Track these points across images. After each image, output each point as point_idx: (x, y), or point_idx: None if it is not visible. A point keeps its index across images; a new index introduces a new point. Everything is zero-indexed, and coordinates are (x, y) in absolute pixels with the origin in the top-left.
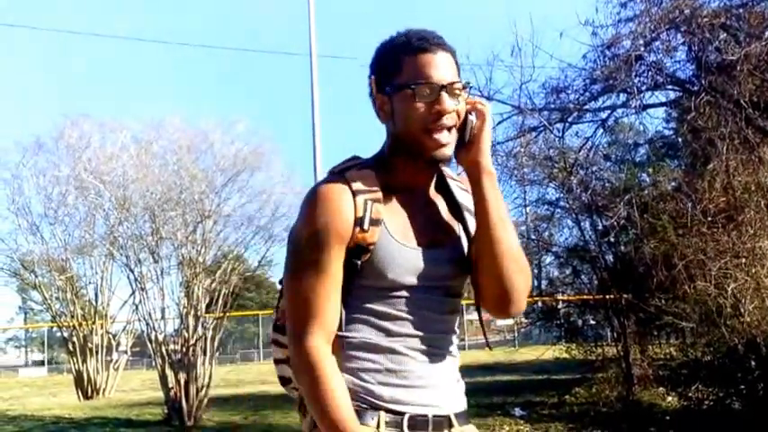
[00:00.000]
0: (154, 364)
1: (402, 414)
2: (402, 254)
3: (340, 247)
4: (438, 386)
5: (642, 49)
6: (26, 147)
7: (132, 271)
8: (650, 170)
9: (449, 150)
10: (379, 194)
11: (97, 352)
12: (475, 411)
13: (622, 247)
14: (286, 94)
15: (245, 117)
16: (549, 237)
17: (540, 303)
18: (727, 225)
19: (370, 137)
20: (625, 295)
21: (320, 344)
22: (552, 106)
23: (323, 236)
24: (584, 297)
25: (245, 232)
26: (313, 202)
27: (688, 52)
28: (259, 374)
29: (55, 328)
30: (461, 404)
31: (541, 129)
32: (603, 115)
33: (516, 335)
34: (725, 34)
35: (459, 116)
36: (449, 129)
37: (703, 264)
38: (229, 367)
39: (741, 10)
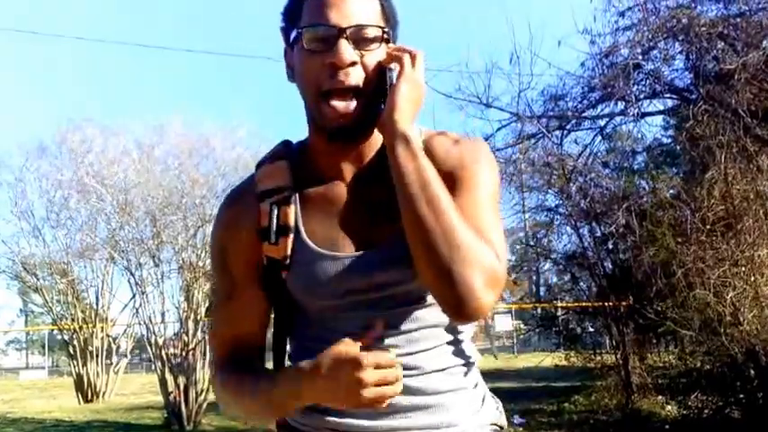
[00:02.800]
0: (153, 367)
1: None
2: (325, 266)
3: (243, 267)
4: (407, 408)
5: (640, 57)
6: (29, 151)
7: (133, 275)
8: (649, 177)
9: (352, 121)
10: (289, 193)
11: (97, 355)
12: None
13: (621, 255)
14: (286, 97)
15: (246, 122)
16: (547, 243)
17: (538, 310)
18: (726, 233)
19: None
20: (624, 303)
21: (224, 374)
22: (551, 114)
23: (219, 259)
24: (583, 304)
25: None
26: (216, 217)
27: (686, 61)
28: None
29: (56, 331)
30: (463, 421)
31: (540, 136)
32: (602, 123)
33: (515, 341)
34: (722, 43)
35: (367, 72)
36: (352, 91)
37: (702, 272)
38: None
39: (738, 19)
